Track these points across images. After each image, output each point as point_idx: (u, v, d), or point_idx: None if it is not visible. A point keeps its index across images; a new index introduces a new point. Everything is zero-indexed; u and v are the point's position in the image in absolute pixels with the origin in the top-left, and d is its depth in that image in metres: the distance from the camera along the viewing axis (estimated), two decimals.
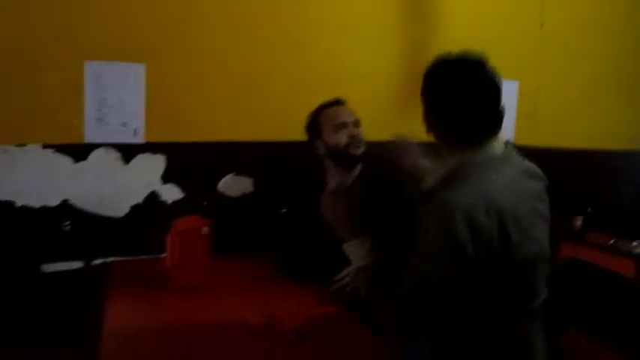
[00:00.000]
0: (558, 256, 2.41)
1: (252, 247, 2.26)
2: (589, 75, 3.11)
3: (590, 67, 3.10)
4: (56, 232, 2.07)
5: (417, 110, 2.63)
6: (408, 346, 1.40)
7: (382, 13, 2.56)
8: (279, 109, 2.34)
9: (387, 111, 2.59)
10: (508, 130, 2.88)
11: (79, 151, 2.09)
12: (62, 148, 2.06)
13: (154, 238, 1.94)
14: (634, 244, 2.77)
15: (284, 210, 2.32)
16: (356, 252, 1.37)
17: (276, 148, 2.35)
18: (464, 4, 2.72)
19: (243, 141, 2.30)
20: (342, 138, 2.02)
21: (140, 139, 2.17)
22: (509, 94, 2.88)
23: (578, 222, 2.85)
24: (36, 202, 2.04)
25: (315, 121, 2.09)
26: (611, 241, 2.79)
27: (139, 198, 2.18)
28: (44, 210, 2.05)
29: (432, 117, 1.33)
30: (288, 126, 2.24)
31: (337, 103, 2.11)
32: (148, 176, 2.19)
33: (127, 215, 2.16)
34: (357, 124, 2.06)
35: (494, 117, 1.29)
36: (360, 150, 2.03)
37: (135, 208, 2.17)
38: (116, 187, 2.14)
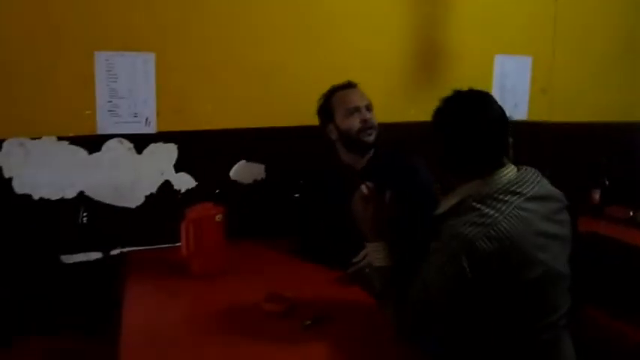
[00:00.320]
0: (577, 231, 2.39)
1: (266, 233, 2.26)
2: (603, 49, 3.03)
3: (605, 41, 3.03)
4: (74, 224, 2.09)
5: (428, 92, 2.63)
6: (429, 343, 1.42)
7: None
8: (289, 94, 2.33)
9: (398, 93, 2.57)
10: (522, 105, 2.84)
11: (92, 143, 2.10)
12: (76, 140, 2.07)
13: (169, 226, 1.96)
14: None
15: (296, 195, 2.32)
16: (375, 254, 1.48)
17: (287, 133, 2.34)
18: None
19: (254, 127, 2.30)
20: (355, 122, 2.02)
21: (152, 129, 2.17)
22: (523, 70, 2.84)
23: (596, 195, 2.82)
24: (53, 195, 2.06)
25: (328, 105, 2.09)
26: (630, 214, 2.76)
27: (152, 187, 2.19)
28: (61, 202, 2.07)
29: (443, 151, 1.40)
30: (298, 111, 2.24)
31: (349, 85, 2.10)
32: (160, 166, 2.19)
33: (142, 205, 2.17)
34: (369, 107, 2.05)
35: (500, 149, 1.37)
36: (372, 137, 2.03)
37: (149, 198, 2.18)
38: (130, 177, 2.15)
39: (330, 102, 2.08)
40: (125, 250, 2.15)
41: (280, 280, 1.86)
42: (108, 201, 2.13)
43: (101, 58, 2.08)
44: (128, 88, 2.13)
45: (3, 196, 2.00)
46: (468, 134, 1.34)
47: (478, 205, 1.29)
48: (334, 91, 2.09)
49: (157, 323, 1.56)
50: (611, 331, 2.21)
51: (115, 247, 2.15)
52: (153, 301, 1.73)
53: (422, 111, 2.56)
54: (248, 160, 2.32)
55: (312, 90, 2.13)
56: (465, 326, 1.34)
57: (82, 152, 2.09)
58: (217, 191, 2.25)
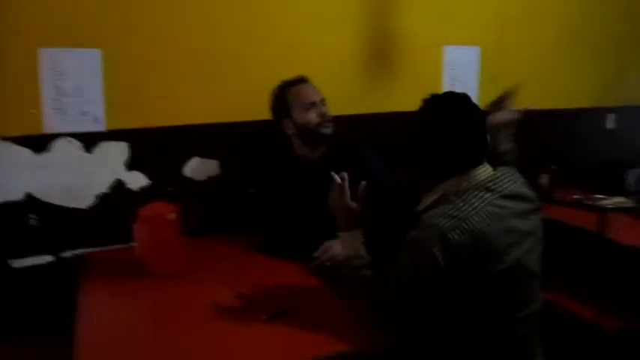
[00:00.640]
0: None
1: (223, 230, 2.25)
2: (552, 37, 3.13)
3: (553, 29, 3.13)
4: (22, 227, 2.03)
5: (381, 84, 2.66)
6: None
7: None
8: (241, 90, 2.31)
9: (351, 86, 2.58)
10: (473, 95, 2.89)
11: (39, 142, 2.03)
12: (21, 140, 2.00)
13: (124, 226, 1.93)
14: (598, 196, 2.86)
15: (252, 190, 2.32)
16: (348, 242, 1.53)
17: (241, 128, 2.32)
18: None
19: (207, 123, 2.28)
20: (313, 117, 2.05)
21: (102, 127, 2.12)
22: (472, 60, 2.90)
23: (545, 180, 2.91)
24: None
25: (283, 101, 2.10)
26: (577, 197, 2.87)
27: (104, 187, 2.14)
28: (8, 205, 2.00)
29: (429, 149, 1.44)
30: (251, 106, 2.23)
31: (302, 80, 2.12)
32: (112, 164, 2.15)
33: (94, 205, 2.12)
34: (324, 102, 2.10)
35: (480, 147, 1.44)
36: (330, 129, 2.08)
37: (101, 198, 2.14)
38: (80, 177, 2.10)
39: (286, 97, 2.09)
40: (79, 252, 2.10)
41: (238, 275, 1.86)
42: (58, 202, 2.07)
43: (46, 55, 2.01)
44: (76, 85, 2.07)
45: None
46: (453, 133, 1.40)
47: (454, 199, 1.37)
48: (287, 86, 2.11)
49: (114, 325, 1.54)
50: (561, 310, 2.30)
51: (67, 250, 2.10)
52: (109, 302, 1.70)
53: (375, 103, 2.63)
54: (202, 156, 2.30)
55: (265, 84, 2.13)
56: (439, 320, 1.38)
57: (27, 152, 2.02)
58: (171, 189, 2.23)
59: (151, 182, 2.21)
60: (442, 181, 1.43)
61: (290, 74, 2.13)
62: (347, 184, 1.54)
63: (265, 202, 2.19)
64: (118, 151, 2.15)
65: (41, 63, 2.01)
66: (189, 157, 2.27)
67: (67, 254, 2.10)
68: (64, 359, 1.41)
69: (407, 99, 2.61)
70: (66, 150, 2.08)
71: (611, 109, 3.46)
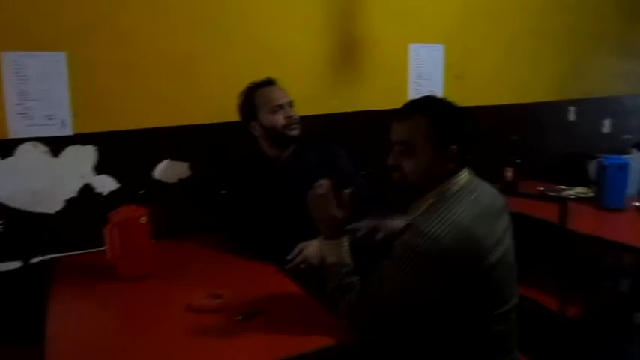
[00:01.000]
0: None
1: (195, 232, 2.26)
2: (512, 34, 3.21)
3: (513, 25, 3.21)
4: None
5: (348, 82, 2.69)
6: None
7: None
8: (209, 91, 2.31)
9: (319, 85, 2.60)
10: (438, 92, 2.96)
11: (4, 148, 2.00)
12: None
13: (93, 230, 1.91)
14: (561, 187, 2.94)
15: (223, 192, 2.32)
16: (332, 250, 1.53)
17: (209, 130, 2.33)
18: None
19: (175, 125, 2.27)
20: (280, 119, 2.07)
21: (69, 131, 2.10)
22: (437, 57, 2.95)
23: (509, 173, 2.99)
24: None
25: (250, 103, 2.11)
26: (541, 188, 2.95)
27: (72, 192, 2.12)
28: None
29: (431, 157, 1.44)
30: (219, 108, 2.24)
31: (269, 82, 2.13)
32: (80, 169, 2.13)
33: (62, 210, 2.10)
34: (291, 104, 2.12)
35: (468, 152, 1.47)
36: (297, 131, 2.10)
37: (70, 203, 2.12)
38: (48, 182, 2.07)
39: (253, 100, 2.10)
40: (47, 257, 2.08)
41: (211, 277, 1.87)
42: (25, 208, 2.05)
43: (9, 59, 1.99)
44: (41, 89, 2.04)
45: None
46: (455, 139, 1.44)
47: (443, 204, 1.39)
48: (255, 88, 2.12)
49: (85, 330, 1.53)
50: (528, 302, 2.36)
51: (35, 255, 2.08)
52: (79, 307, 1.69)
53: (344, 102, 2.66)
54: (171, 159, 2.29)
55: (233, 86, 2.14)
56: (422, 320, 1.40)
57: None
58: (142, 192, 2.22)
59: (120, 186, 2.19)
60: (432, 189, 1.45)
61: (258, 76, 2.14)
62: (331, 194, 1.52)
63: (232, 201, 2.20)
64: (86, 155, 2.14)
65: (4, 67, 1.98)
66: (158, 160, 2.27)
67: (36, 260, 2.08)
68: None
69: (374, 97, 2.68)
70: (32, 155, 2.05)
71: (571, 102, 3.57)
